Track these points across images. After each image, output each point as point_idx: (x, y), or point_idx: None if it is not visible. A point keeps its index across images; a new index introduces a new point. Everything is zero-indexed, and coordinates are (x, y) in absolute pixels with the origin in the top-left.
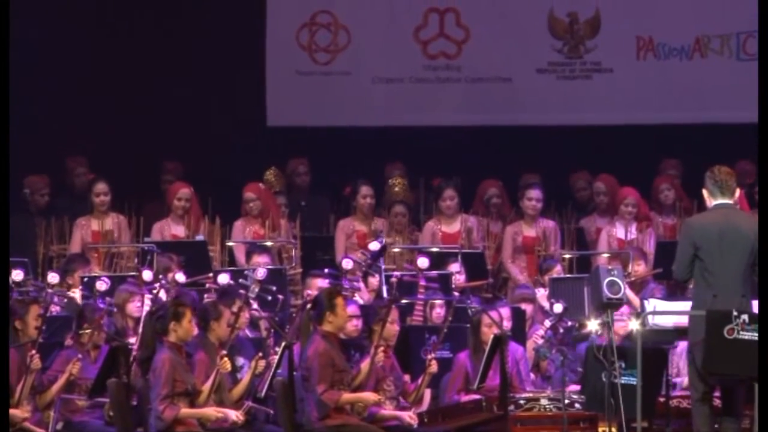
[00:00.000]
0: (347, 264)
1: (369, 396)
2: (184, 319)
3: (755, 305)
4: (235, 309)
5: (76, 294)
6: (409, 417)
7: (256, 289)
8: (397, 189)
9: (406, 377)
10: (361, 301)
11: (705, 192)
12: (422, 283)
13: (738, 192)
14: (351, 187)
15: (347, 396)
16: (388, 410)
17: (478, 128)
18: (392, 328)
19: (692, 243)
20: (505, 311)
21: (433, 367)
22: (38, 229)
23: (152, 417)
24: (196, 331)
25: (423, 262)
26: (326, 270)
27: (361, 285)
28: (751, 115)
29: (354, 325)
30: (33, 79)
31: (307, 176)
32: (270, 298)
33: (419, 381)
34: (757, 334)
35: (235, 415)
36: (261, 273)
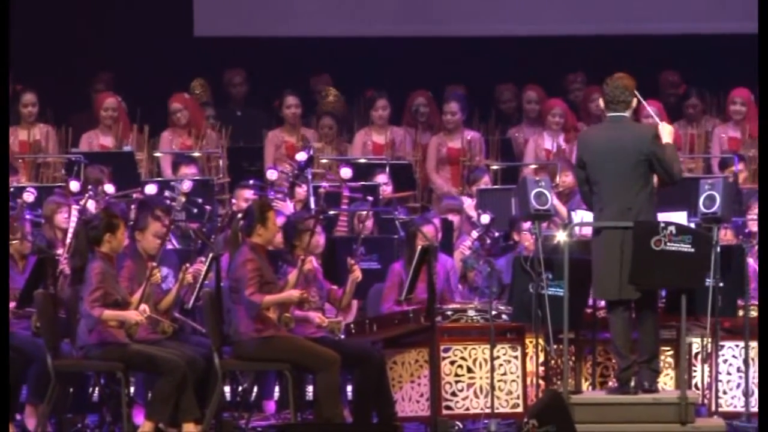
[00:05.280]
0: (272, 175)
1: (293, 293)
2: (118, 231)
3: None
4: (157, 219)
5: None
6: (319, 318)
7: (183, 200)
8: (329, 99)
9: (334, 286)
10: (287, 212)
11: (601, 101)
12: (345, 193)
13: (634, 102)
14: (279, 100)
15: (271, 296)
16: (299, 312)
17: (404, 39)
18: (317, 240)
19: (580, 158)
20: (437, 222)
21: (356, 273)
22: None
23: (80, 327)
24: (126, 242)
25: (346, 172)
26: (251, 181)
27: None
28: (676, 26)
29: (281, 237)
30: None
31: (243, 87)
32: (196, 210)
33: (345, 287)
34: (683, 246)
35: (141, 309)
36: (186, 185)
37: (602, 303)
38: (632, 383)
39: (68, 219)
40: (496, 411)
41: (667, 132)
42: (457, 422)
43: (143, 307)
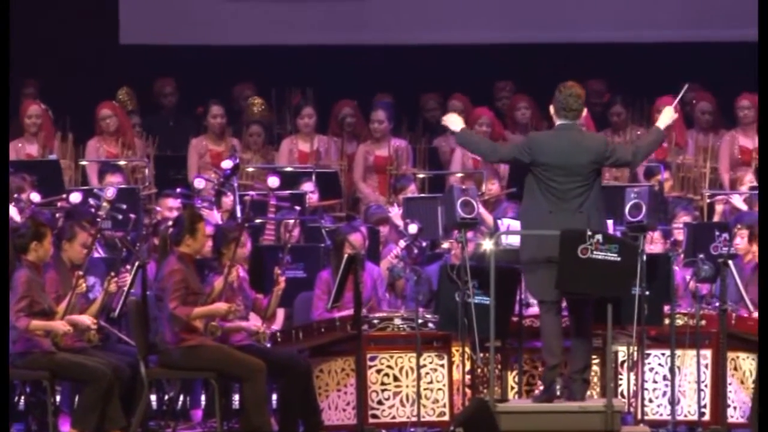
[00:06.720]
0: (199, 183)
1: (220, 306)
2: (45, 240)
3: (609, 225)
4: (84, 229)
5: None
6: (255, 326)
7: (107, 208)
8: (255, 108)
9: (259, 295)
10: (213, 221)
11: (551, 108)
12: (272, 202)
13: (585, 112)
14: (204, 107)
15: (198, 309)
16: (232, 323)
17: (331, 48)
18: (243, 249)
19: (531, 156)
20: (364, 230)
21: (281, 283)
22: None
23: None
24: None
25: (273, 181)
26: (178, 190)
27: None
28: (602, 34)
29: (209, 246)
30: None
31: (173, 97)
32: (121, 217)
33: (271, 296)
34: (610, 254)
35: (89, 321)
36: (111, 192)
37: (529, 311)
38: (557, 384)
39: None
40: (422, 419)
41: (668, 116)
42: (384, 431)
43: (91, 318)
